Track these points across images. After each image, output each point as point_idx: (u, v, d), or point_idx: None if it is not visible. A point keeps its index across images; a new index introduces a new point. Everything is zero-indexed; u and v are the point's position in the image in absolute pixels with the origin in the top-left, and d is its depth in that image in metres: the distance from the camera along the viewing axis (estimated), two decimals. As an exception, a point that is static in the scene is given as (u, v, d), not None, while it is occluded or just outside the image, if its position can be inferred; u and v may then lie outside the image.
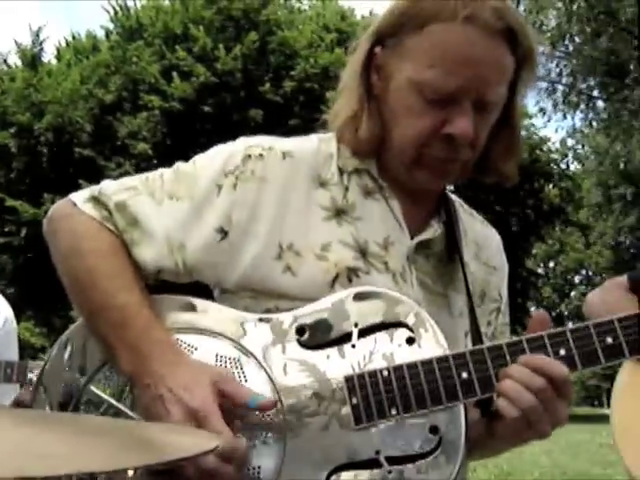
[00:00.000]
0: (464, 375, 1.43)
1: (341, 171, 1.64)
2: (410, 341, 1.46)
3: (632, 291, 2.69)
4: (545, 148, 31.58)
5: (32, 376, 3.32)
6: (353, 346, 1.46)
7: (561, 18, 26.08)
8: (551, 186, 31.29)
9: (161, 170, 1.65)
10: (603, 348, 1.43)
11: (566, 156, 39.23)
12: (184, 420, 1.36)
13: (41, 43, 27.58)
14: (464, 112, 1.51)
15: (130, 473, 1.32)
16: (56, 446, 0.74)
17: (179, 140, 23.34)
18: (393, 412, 1.42)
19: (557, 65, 27.88)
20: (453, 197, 1.80)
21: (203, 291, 1.59)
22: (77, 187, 1.69)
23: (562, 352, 1.43)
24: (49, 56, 29.10)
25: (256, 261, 1.53)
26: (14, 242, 24.24)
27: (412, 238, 1.63)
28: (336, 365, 1.45)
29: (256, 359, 1.48)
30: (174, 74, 24.03)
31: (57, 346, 1.59)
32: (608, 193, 40.21)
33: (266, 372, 1.46)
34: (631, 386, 2.43)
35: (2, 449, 0.70)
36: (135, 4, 27.46)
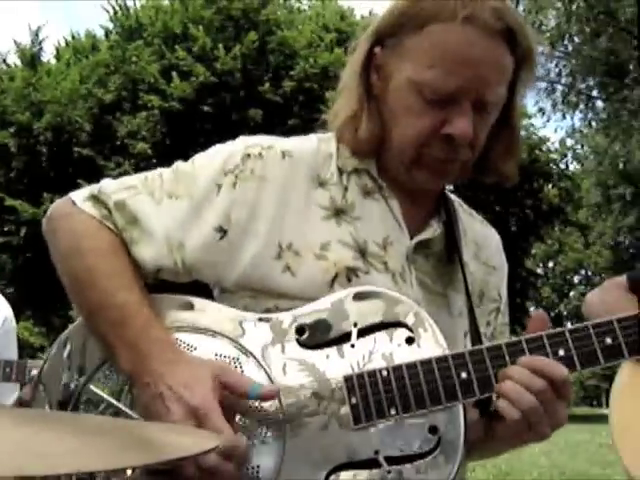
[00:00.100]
0: (463, 375, 1.43)
1: (340, 171, 1.64)
2: (409, 341, 1.46)
3: (631, 291, 2.69)
4: (544, 148, 31.58)
5: (35, 373, 3.32)
6: (352, 346, 1.46)
7: (560, 18, 26.08)
8: (550, 186, 31.29)
9: (160, 169, 1.65)
10: (602, 349, 1.43)
11: (565, 156, 39.29)
12: (184, 418, 1.36)
13: (40, 43, 27.57)
14: (463, 112, 1.52)
15: (129, 472, 1.32)
16: (56, 445, 0.74)
17: (178, 140, 23.34)
18: (392, 412, 1.42)
19: (556, 65, 27.90)
20: (452, 197, 1.80)
21: (203, 291, 1.59)
22: (76, 187, 1.69)
23: (561, 352, 1.43)
24: (48, 56, 29.15)
25: (255, 260, 1.53)
26: (13, 242, 24.24)
27: (411, 238, 1.63)
28: (335, 365, 1.45)
29: (255, 358, 1.48)
30: (173, 74, 24.03)
31: (56, 345, 1.59)
32: (607, 193, 40.22)
33: (265, 371, 1.46)
34: (630, 386, 2.43)
35: (2, 448, 0.70)
36: (134, 4, 27.47)
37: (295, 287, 1.51)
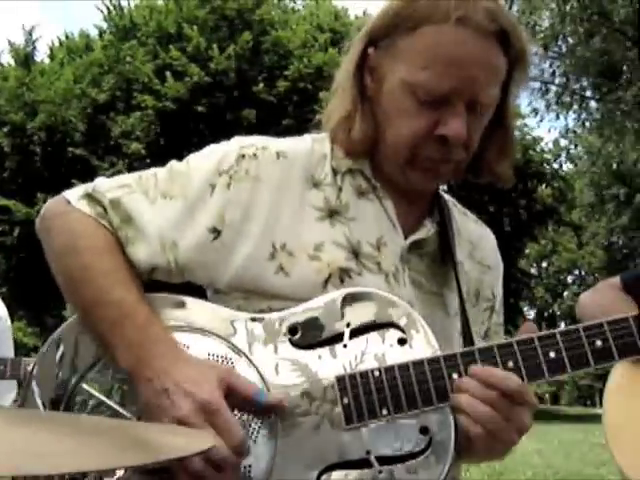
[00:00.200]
0: (455, 376, 1.43)
1: (335, 171, 1.64)
2: (401, 342, 1.46)
3: (625, 292, 2.70)
4: (538, 148, 31.64)
5: None
6: (345, 346, 1.46)
7: (554, 19, 26.05)
8: (544, 186, 31.32)
9: (155, 169, 1.65)
10: (593, 351, 1.43)
11: (559, 156, 39.30)
12: (194, 413, 1.35)
13: (34, 42, 27.54)
14: (457, 113, 1.52)
15: (120, 472, 1.32)
16: (52, 445, 0.74)
17: (172, 140, 23.33)
18: (384, 412, 1.42)
19: (550, 65, 27.86)
20: (446, 197, 1.80)
21: (197, 292, 1.59)
22: (70, 187, 1.69)
23: (552, 355, 1.43)
24: (42, 55, 29.09)
25: (249, 261, 1.53)
26: (7, 242, 24.20)
27: (406, 238, 1.63)
28: (328, 365, 1.45)
29: (247, 357, 1.48)
30: (168, 74, 24.02)
31: (48, 344, 1.58)
32: (601, 193, 40.28)
33: (257, 370, 1.47)
34: (622, 386, 2.44)
35: (-1, 448, 0.71)
36: (129, 3, 27.50)
37: (288, 288, 1.52)
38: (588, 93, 29.11)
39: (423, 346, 1.46)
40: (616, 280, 2.79)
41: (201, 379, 1.40)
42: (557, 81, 28.59)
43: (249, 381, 1.45)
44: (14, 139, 24.90)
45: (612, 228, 43.34)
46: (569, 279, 60.77)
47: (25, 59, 26.88)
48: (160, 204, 1.58)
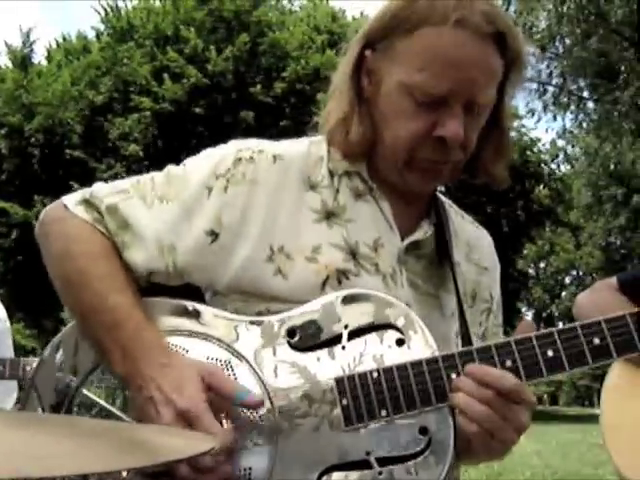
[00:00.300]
0: (453, 376, 1.43)
1: (331, 173, 1.64)
2: (400, 343, 1.46)
3: (622, 292, 2.71)
4: (535, 149, 31.69)
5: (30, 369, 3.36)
6: (343, 348, 1.47)
7: (551, 19, 26.06)
8: (541, 187, 31.37)
9: (152, 173, 1.66)
10: (590, 349, 1.44)
11: (556, 157, 39.22)
12: (175, 421, 1.37)
13: (31, 44, 27.53)
14: (455, 115, 1.52)
15: (124, 474, 1.32)
16: (52, 448, 0.75)
17: (170, 141, 23.34)
18: (383, 413, 1.42)
19: (547, 66, 27.86)
20: (443, 198, 1.80)
21: (195, 294, 1.59)
22: (68, 188, 1.71)
23: (550, 353, 1.43)
24: (39, 57, 29.08)
25: (247, 264, 1.53)
26: (4, 244, 24.21)
27: (402, 239, 1.63)
28: (326, 367, 1.46)
29: (248, 362, 1.48)
30: (165, 75, 24.03)
31: (49, 348, 1.59)
32: (598, 194, 40.28)
33: (257, 374, 1.47)
34: (620, 387, 2.45)
35: (-2, 451, 0.71)
36: (126, 5, 27.45)
37: (286, 290, 1.52)
38: (585, 94, 29.14)
39: (421, 347, 1.46)
40: (613, 281, 2.79)
41: (183, 383, 1.41)
42: (554, 82, 28.61)
43: (229, 381, 1.46)
44: (11, 141, 24.90)
45: (610, 229, 43.33)
46: (567, 280, 60.86)
47: (22, 61, 26.88)
48: (157, 208, 1.58)
